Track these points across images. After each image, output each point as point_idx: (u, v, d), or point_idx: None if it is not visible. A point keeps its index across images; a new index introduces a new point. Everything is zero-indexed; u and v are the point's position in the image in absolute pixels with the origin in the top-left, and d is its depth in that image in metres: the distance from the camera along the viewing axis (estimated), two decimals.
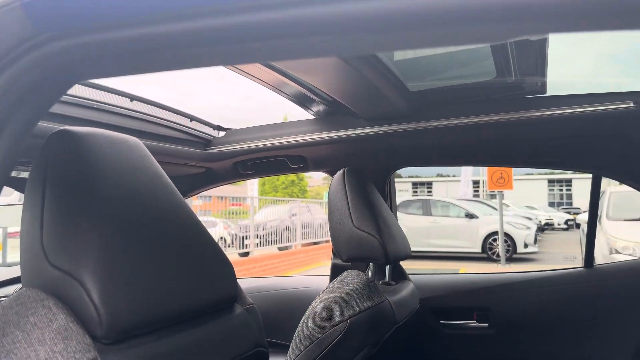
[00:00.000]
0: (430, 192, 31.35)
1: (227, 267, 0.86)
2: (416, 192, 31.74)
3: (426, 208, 12.39)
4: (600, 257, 6.38)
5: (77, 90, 1.31)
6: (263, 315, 2.23)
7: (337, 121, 1.76)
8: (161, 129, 1.66)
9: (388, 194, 1.98)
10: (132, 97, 1.52)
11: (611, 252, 6.11)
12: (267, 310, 2.12)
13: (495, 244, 11.12)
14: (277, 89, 1.53)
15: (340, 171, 1.57)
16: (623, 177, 1.73)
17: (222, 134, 1.94)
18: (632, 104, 1.40)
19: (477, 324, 1.98)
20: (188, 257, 0.78)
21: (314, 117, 1.83)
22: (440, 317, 2.00)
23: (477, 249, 11.41)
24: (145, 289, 0.68)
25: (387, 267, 1.72)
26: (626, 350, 1.84)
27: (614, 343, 1.85)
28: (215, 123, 1.94)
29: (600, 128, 1.48)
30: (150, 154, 0.83)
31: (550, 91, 1.54)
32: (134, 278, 0.67)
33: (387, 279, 1.72)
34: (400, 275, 1.85)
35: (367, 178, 1.63)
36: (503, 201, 11.24)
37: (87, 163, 0.70)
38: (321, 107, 1.74)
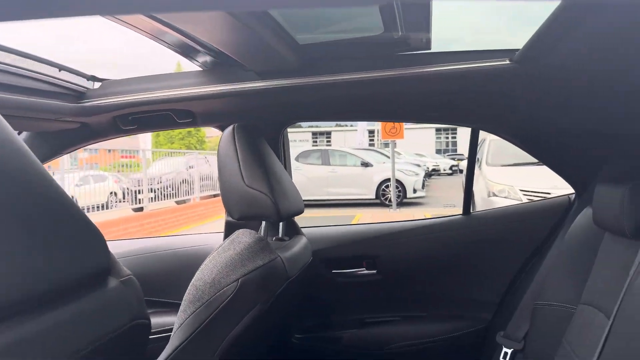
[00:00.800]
0: (329, 141, 31.98)
1: (95, 238, 0.79)
2: (316, 142, 32.23)
3: (325, 158, 12.69)
4: (480, 199, 6.96)
5: None
6: (156, 276, 2.15)
7: (226, 74, 1.67)
8: (23, 81, 1.47)
9: (281, 150, 1.95)
10: None
11: (489, 195, 6.67)
12: (159, 271, 2.05)
13: (387, 191, 11.78)
14: (156, 37, 1.40)
15: (230, 127, 1.50)
16: (499, 131, 1.86)
17: (97, 85, 1.77)
18: (508, 62, 1.47)
19: (367, 271, 2.08)
20: (47, 231, 0.69)
21: (201, 69, 1.72)
22: (332, 267, 2.07)
23: (372, 195, 12.00)
24: None
25: (281, 223, 1.72)
26: (499, 289, 2.05)
27: (488, 283, 2.05)
28: (90, 73, 1.76)
29: (479, 84, 1.55)
30: None
31: (435, 47, 1.58)
32: None
33: (280, 235, 1.73)
34: (293, 230, 1.87)
35: (258, 134, 1.58)
36: (395, 149, 11.85)
37: None
38: (208, 58, 1.63)
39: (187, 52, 1.57)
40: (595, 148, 1.74)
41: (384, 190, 11.95)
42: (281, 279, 1.41)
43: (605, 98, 1.43)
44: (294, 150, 13.20)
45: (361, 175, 12.18)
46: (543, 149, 1.86)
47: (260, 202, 1.42)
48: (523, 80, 1.46)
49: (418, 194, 12.19)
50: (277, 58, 1.49)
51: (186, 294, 1.24)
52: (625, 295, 1.19)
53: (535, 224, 2.01)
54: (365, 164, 12.37)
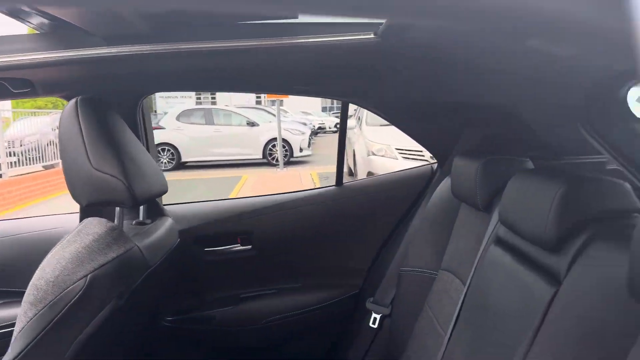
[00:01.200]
0: (214, 99, 30.86)
1: None
2: (199, 99, 30.95)
3: (208, 117, 12.25)
4: (361, 158, 7.19)
5: None
6: (5, 263, 1.91)
7: (69, 38, 1.46)
8: None
9: (140, 125, 1.78)
10: None
11: (369, 155, 6.90)
12: (9, 257, 1.83)
13: (274, 150, 11.76)
14: None
15: (72, 101, 1.32)
16: (365, 103, 1.87)
17: None
18: (372, 35, 1.45)
19: (241, 247, 2.03)
20: None
21: (38, 32, 1.48)
22: (204, 245, 1.98)
23: (259, 155, 11.93)
24: None
25: (142, 206, 1.59)
26: (369, 256, 2.11)
27: (359, 251, 2.11)
28: None
29: (347, 58, 1.52)
30: None
31: (302, 17, 1.51)
32: None
33: (141, 219, 1.59)
34: (157, 212, 1.74)
35: (109, 107, 1.41)
36: (281, 108, 11.79)
37: None
38: (45, 20, 1.41)
39: (15, 13, 1.33)
40: (453, 120, 1.82)
41: (271, 149, 11.92)
42: (139, 270, 1.31)
43: (460, 71, 1.48)
44: (174, 109, 12.54)
45: (247, 134, 12.00)
46: (406, 121, 1.92)
47: (111, 186, 1.28)
48: (385, 54, 1.46)
49: (305, 152, 12.35)
50: (121, 22, 1.31)
51: (26, 294, 1.10)
52: (477, 267, 1.27)
53: (402, 193, 2.09)
54: (252, 124, 12.19)
